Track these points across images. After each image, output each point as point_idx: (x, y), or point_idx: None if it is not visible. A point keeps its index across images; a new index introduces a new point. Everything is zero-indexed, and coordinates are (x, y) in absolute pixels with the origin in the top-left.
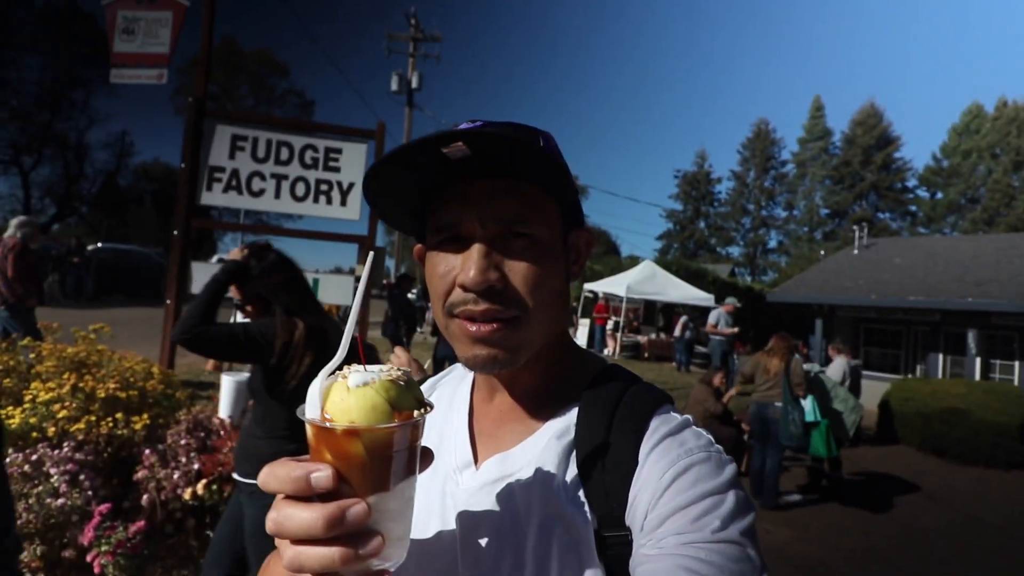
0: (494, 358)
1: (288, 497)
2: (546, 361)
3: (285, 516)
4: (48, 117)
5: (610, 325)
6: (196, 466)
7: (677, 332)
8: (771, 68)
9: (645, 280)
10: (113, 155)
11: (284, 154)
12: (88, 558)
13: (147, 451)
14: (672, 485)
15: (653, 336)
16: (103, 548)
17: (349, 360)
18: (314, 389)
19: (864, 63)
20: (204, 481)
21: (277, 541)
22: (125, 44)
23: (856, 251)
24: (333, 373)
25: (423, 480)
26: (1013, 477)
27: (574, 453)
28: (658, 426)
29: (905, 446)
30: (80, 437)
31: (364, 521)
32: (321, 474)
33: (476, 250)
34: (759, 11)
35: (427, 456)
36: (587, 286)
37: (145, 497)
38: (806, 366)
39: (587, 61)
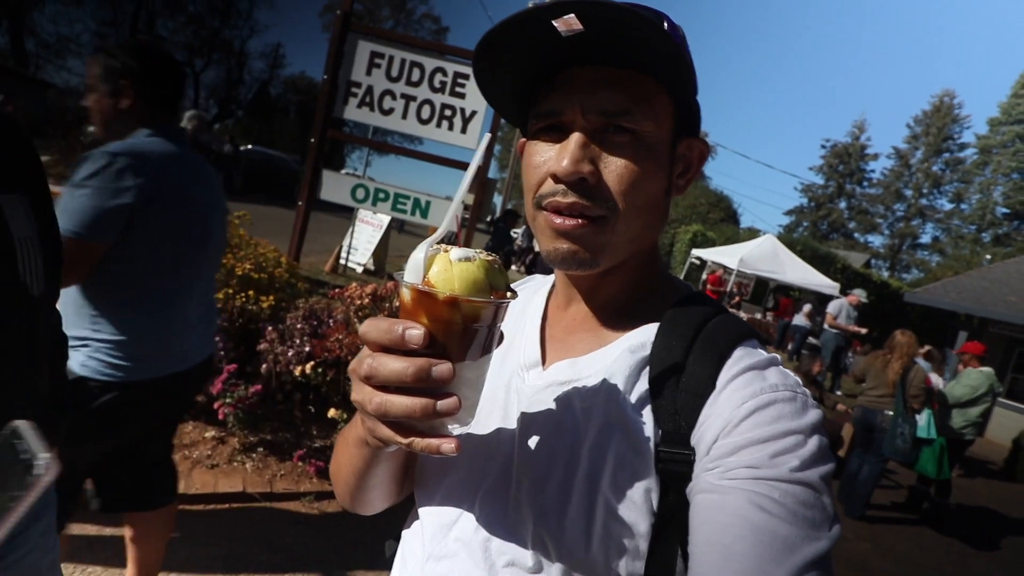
0: (574, 254)
1: (381, 350)
2: (630, 273)
3: (380, 362)
4: (218, 23)
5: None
6: (307, 348)
7: (800, 320)
8: (970, 30)
9: (763, 255)
10: (267, 65)
11: (415, 75)
12: (215, 406)
13: (269, 328)
14: (751, 417)
15: (758, 316)
16: (227, 400)
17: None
18: (417, 257)
19: None
20: (312, 363)
21: (361, 392)
22: None
23: None
24: (434, 246)
25: (490, 373)
26: None
27: (647, 369)
28: (742, 356)
29: None
30: (219, 305)
31: (447, 379)
32: (416, 332)
33: (573, 140)
34: None
35: (500, 339)
36: (695, 252)
37: (264, 366)
38: (935, 379)
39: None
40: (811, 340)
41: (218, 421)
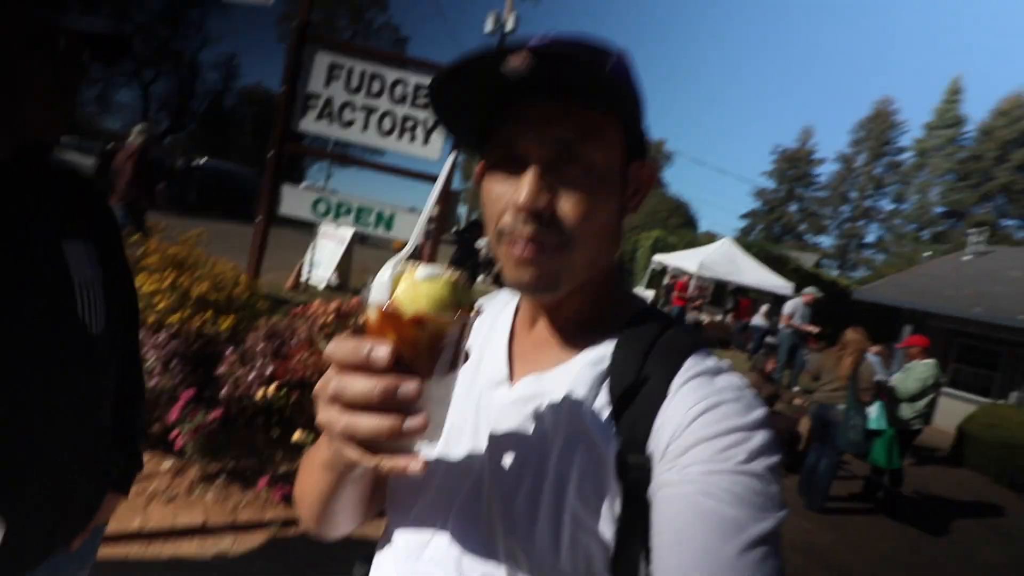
0: (536, 282)
1: (347, 370)
2: (590, 292)
3: (346, 382)
4: (168, 33)
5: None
6: (269, 370)
7: (758, 320)
8: (905, 40)
9: (720, 259)
10: (221, 76)
11: (376, 87)
12: (172, 435)
13: (229, 350)
14: (699, 418)
15: (719, 318)
16: (185, 428)
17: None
18: (383, 276)
19: (1020, 45)
20: (275, 384)
21: (327, 413)
22: None
23: (968, 257)
24: (401, 264)
25: (458, 392)
26: None
27: (607, 381)
28: (693, 365)
29: (979, 474)
30: (175, 328)
31: (414, 398)
32: (382, 351)
33: (530, 173)
34: None
35: (466, 357)
36: (656, 257)
37: (224, 390)
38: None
39: (688, 14)
40: (769, 339)
41: (175, 451)
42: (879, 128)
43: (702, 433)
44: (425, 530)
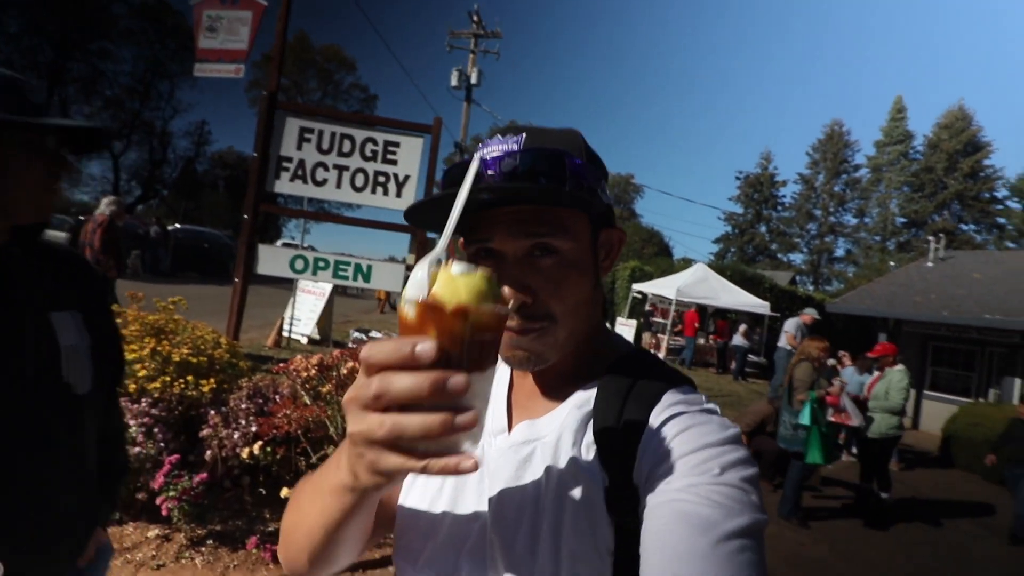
0: (528, 359)
1: (386, 371)
2: (576, 348)
3: (389, 380)
4: (138, 106)
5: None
6: (254, 428)
7: (738, 340)
8: (848, 67)
9: (696, 283)
10: (192, 143)
11: (346, 146)
12: (157, 501)
13: (212, 412)
14: (675, 440)
15: (701, 341)
16: (171, 494)
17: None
18: (419, 274)
19: (952, 62)
20: (260, 443)
21: (365, 420)
22: (208, 41)
23: (931, 263)
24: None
25: None
26: None
27: (592, 421)
28: (670, 397)
29: (968, 473)
30: (156, 395)
31: (464, 390)
32: (427, 345)
33: (506, 269)
34: (836, 8)
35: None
36: (636, 287)
37: (208, 453)
38: (856, 376)
39: (647, 58)
40: (752, 357)
41: (161, 517)
42: (833, 148)
43: (679, 453)
44: (435, 575)
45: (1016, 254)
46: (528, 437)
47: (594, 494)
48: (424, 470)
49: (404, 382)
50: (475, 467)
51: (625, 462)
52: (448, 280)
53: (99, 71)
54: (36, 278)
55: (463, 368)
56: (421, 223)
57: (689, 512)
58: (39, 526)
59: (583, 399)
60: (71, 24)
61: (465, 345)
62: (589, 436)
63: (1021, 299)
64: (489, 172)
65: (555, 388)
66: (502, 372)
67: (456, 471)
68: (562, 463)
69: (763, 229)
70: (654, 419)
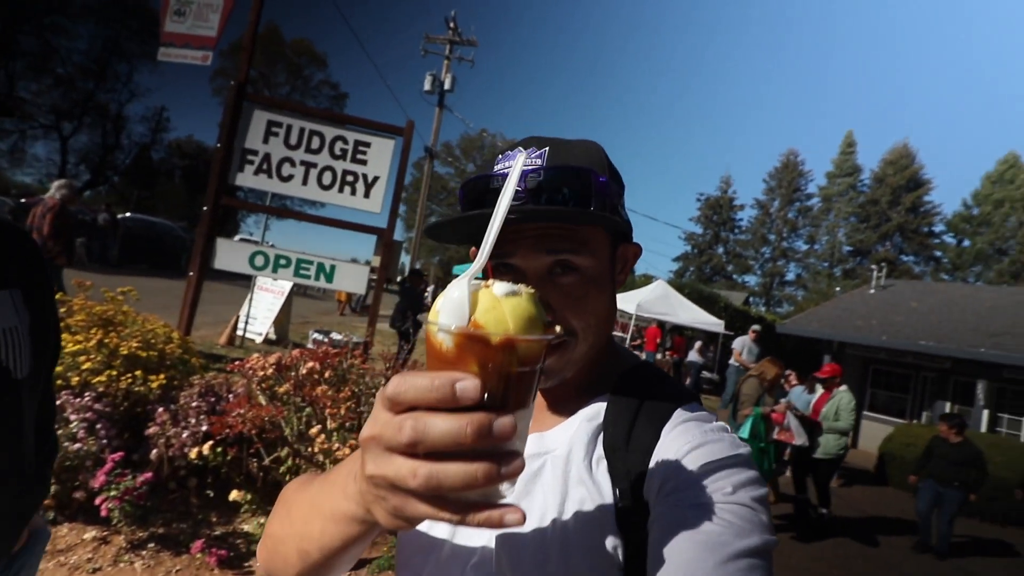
0: (548, 377)
1: (420, 410)
2: (590, 362)
3: (427, 424)
4: (92, 86)
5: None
6: (204, 428)
7: (693, 356)
8: (804, 100)
9: (656, 299)
10: (149, 129)
11: (315, 143)
12: (97, 501)
13: (160, 409)
14: (688, 456)
15: (659, 356)
16: (112, 493)
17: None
18: (455, 296)
19: (900, 103)
20: (211, 442)
21: (393, 465)
22: (175, 25)
23: (872, 290)
24: (474, 281)
25: None
26: (1010, 533)
27: (601, 435)
28: (681, 415)
29: (901, 492)
30: (101, 389)
31: (510, 435)
32: (468, 383)
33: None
34: (796, 43)
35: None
36: None
37: (154, 452)
38: (804, 396)
39: (616, 75)
40: (705, 374)
41: (100, 519)
42: (788, 177)
43: (691, 470)
44: None
45: (949, 286)
46: (538, 450)
47: (604, 510)
48: (462, 523)
49: (443, 426)
50: (522, 520)
51: (636, 478)
52: (492, 304)
53: (52, 47)
54: None
55: (507, 407)
56: (443, 239)
57: (698, 529)
58: None
59: (593, 412)
60: None
61: (511, 381)
62: (599, 450)
63: (952, 328)
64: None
65: (564, 401)
66: None
67: (500, 525)
68: (572, 477)
69: (721, 250)
70: (665, 436)
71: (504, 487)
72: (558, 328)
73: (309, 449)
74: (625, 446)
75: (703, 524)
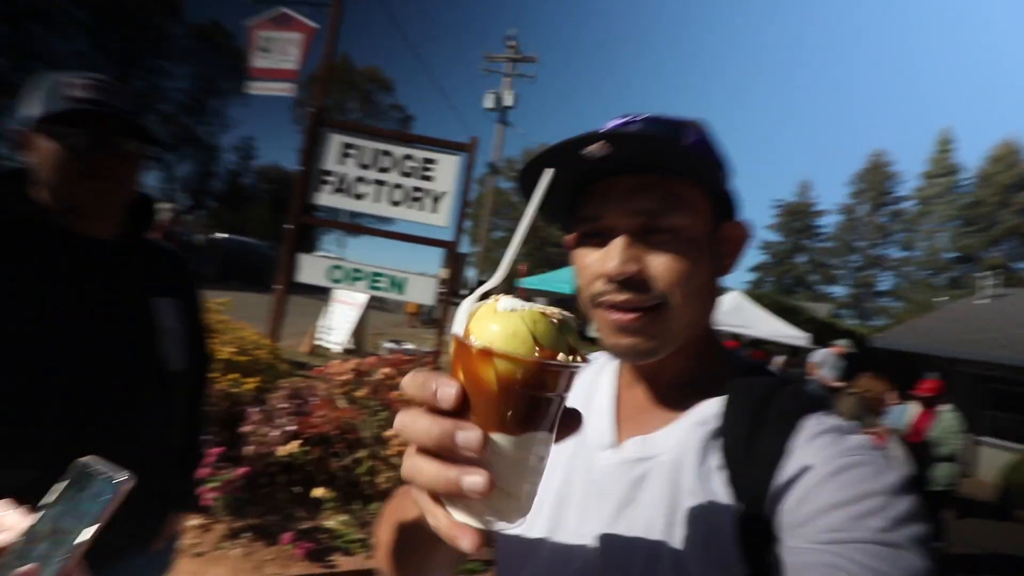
0: (635, 347)
1: (414, 407)
2: (691, 354)
3: (410, 419)
4: (191, 121)
5: None
6: (292, 428)
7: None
8: (892, 97)
9: (731, 312)
10: (239, 157)
11: (386, 162)
12: (200, 491)
13: (254, 409)
14: (830, 481)
15: None
16: (214, 484)
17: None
18: (465, 306)
19: (1001, 98)
20: (298, 441)
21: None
22: (262, 60)
23: (984, 301)
24: (485, 297)
25: (565, 457)
26: None
27: (717, 442)
28: (815, 423)
29: None
30: None
31: (473, 448)
32: (449, 389)
33: (617, 242)
34: (879, 39)
35: (573, 421)
36: None
37: (249, 448)
38: (903, 415)
39: (679, 83)
40: None
41: (202, 507)
42: (876, 179)
43: (834, 498)
44: None
45: None
46: (641, 454)
47: (723, 524)
48: (432, 523)
49: (418, 424)
50: (472, 547)
51: (761, 490)
52: (485, 315)
53: (157, 88)
54: (143, 267)
55: (489, 424)
56: (529, 190)
57: (844, 572)
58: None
59: (705, 415)
60: (132, 43)
61: (491, 396)
62: (715, 459)
63: None
64: (596, 135)
65: (669, 400)
66: (604, 382)
67: (451, 541)
68: (684, 486)
69: (802, 259)
70: (798, 449)
71: (494, 519)
72: (560, 355)
73: (385, 451)
74: (747, 457)
75: (847, 567)
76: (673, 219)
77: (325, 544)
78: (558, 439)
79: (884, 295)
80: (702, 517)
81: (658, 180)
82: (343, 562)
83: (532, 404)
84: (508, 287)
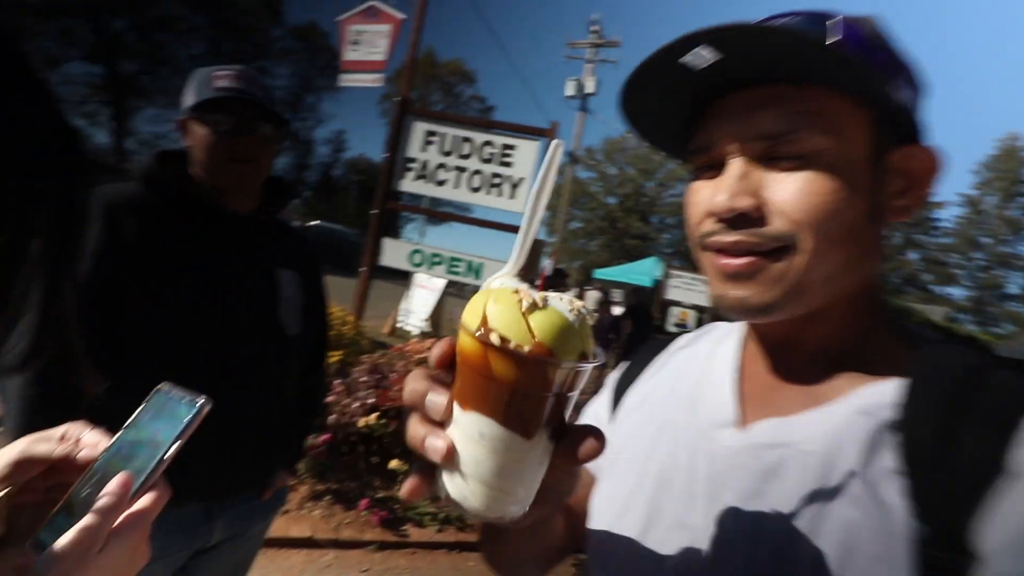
0: (745, 300)
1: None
2: (844, 317)
3: (412, 379)
4: (291, 117)
5: None
6: (371, 400)
7: None
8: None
9: None
10: (331, 150)
11: (466, 149)
12: None
13: (337, 381)
14: None
15: None
16: None
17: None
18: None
19: None
20: (376, 413)
21: None
22: (352, 53)
23: None
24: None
25: (665, 434)
26: None
27: (890, 439)
28: None
29: None
30: None
31: (435, 411)
32: (436, 400)
33: (728, 173)
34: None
35: (582, 437)
36: None
37: (332, 417)
38: None
39: None
40: None
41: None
42: (1009, 167)
43: None
44: None
45: None
46: (776, 440)
47: (895, 543)
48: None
49: (410, 385)
50: (405, 494)
51: (961, 512)
52: (480, 295)
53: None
54: (272, 242)
55: (461, 400)
56: (637, 112)
57: None
58: (244, 435)
59: (873, 402)
60: (241, 46)
61: (464, 369)
62: (888, 460)
63: None
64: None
65: (812, 377)
66: (724, 352)
67: (422, 449)
68: (835, 488)
69: (914, 256)
70: (1020, 455)
71: (509, 503)
72: (572, 356)
73: None
74: (940, 461)
75: None
76: (806, 140)
77: (399, 514)
78: (562, 457)
79: (1013, 299)
80: (861, 530)
81: (783, 92)
82: (414, 533)
83: (499, 394)
84: (526, 273)
